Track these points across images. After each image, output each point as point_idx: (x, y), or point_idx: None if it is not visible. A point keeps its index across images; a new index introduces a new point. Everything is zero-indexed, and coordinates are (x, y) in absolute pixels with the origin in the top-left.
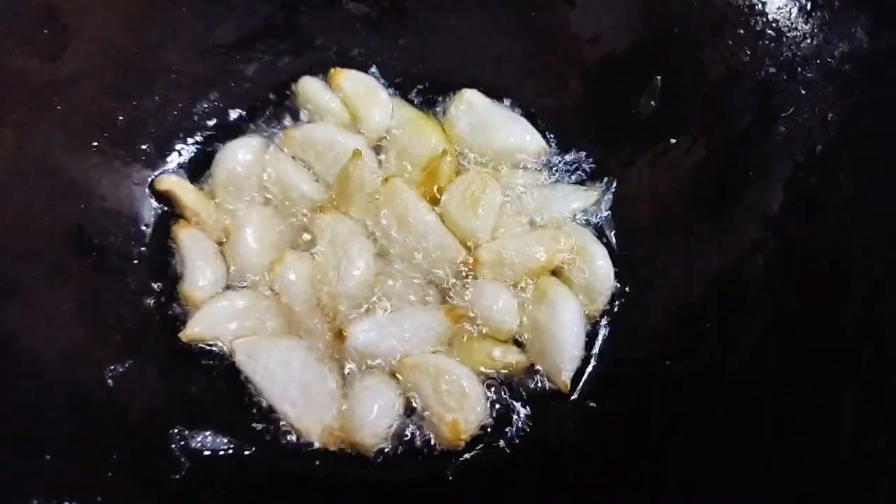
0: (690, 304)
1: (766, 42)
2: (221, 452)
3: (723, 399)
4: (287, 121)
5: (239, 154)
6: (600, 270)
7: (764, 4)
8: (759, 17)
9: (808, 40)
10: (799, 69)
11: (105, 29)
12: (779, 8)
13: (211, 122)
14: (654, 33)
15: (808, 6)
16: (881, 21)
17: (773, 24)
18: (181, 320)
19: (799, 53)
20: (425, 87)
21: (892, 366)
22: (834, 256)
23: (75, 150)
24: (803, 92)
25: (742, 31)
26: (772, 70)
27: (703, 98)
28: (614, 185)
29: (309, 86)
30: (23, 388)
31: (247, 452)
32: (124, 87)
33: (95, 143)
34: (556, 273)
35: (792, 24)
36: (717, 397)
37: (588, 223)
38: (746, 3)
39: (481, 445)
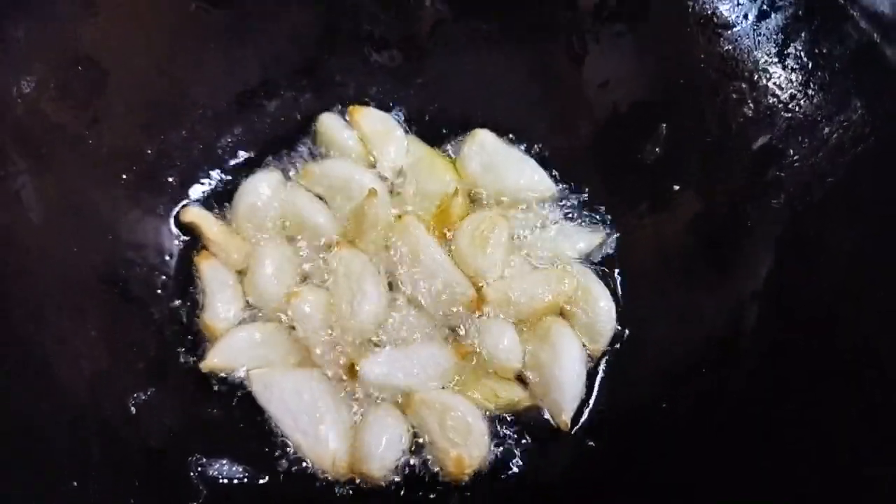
0: (688, 347)
1: (768, 98)
2: (236, 481)
3: (719, 441)
4: (306, 156)
5: (260, 188)
6: (603, 312)
7: (767, 63)
8: (761, 75)
9: (808, 99)
10: (798, 126)
11: (137, 67)
12: (781, 68)
13: (234, 156)
14: (660, 83)
15: (810, 66)
16: (879, 83)
17: (776, 82)
18: (202, 349)
19: (799, 111)
20: (440, 126)
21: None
22: (829, 305)
23: (105, 183)
24: (801, 148)
25: (745, 87)
26: (771, 125)
27: (706, 148)
28: (618, 227)
29: (328, 122)
30: (51, 416)
31: (261, 481)
32: (152, 122)
33: (124, 177)
34: (559, 312)
35: (793, 83)
36: (713, 439)
37: (592, 264)
38: (751, 60)
39: (484, 480)
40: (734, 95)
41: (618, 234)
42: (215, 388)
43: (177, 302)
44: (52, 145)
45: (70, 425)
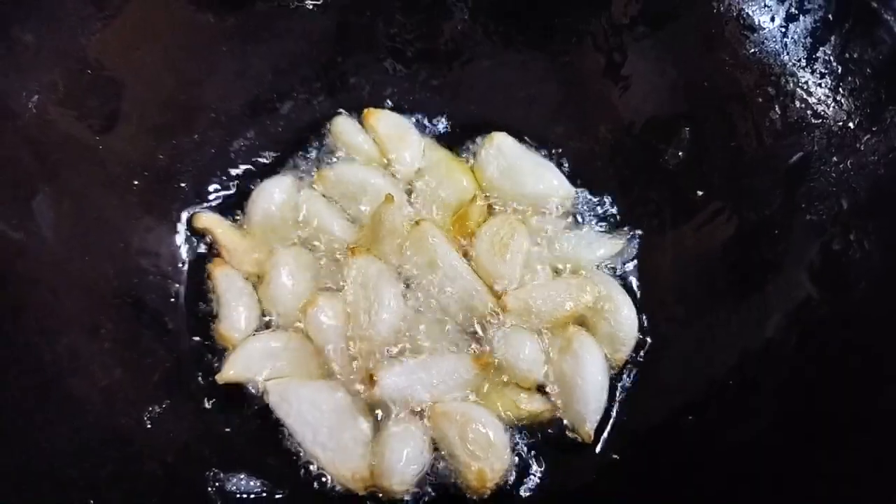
0: (714, 358)
1: (796, 103)
2: (254, 495)
3: (745, 457)
4: (321, 160)
5: (274, 194)
6: (625, 320)
7: (795, 66)
8: (789, 79)
9: (838, 105)
10: (827, 132)
11: (148, 72)
12: (810, 72)
13: (246, 160)
14: (684, 86)
15: (840, 70)
16: None
17: (804, 87)
18: (217, 359)
19: (828, 116)
20: (456, 129)
21: None
22: (858, 325)
23: (116, 190)
24: (830, 154)
25: (772, 91)
26: (799, 131)
27: (730, 153)
28: (640, 233)
29: (342, 125)
30: (66, 431)
31: (279, 496)
32: (164, 127)
33: (136, 183)
34: (581, 321)
35: (822, 88)
36: (739, 454)
37: (613, 271)
38: (778, 63)
39: (505, 493)
40: (760, 100)
41: (639, 241)
42: (232, 398)
43: (191, 311)
44: (62, 151)
45: (85, 440)
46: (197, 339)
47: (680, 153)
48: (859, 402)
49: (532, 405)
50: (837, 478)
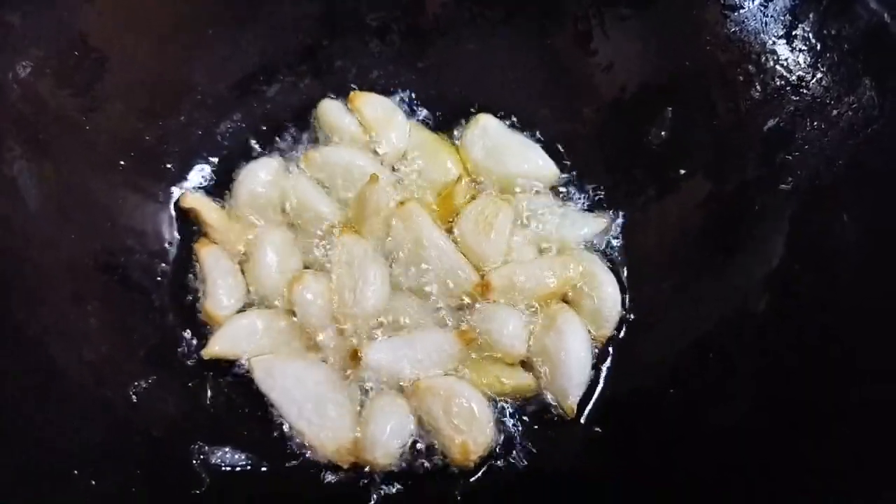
0: (695, 332)
1: (776, 80)
2: (239, 468)
3: (726, 428)
4: (307, 142)
5: (260, 174)
6: (608, 297)
7: (775, 44)
8: (769, 56)
9: (817, 81)
10: (806, 108)
11: (135, 52)
12: (789, 49)
13: (233, 142)
14: (666, 66)
15: (818, 47)
16: (889, 64)
17: (783, 64)
18: (203, 336)
19: (807, 93)
20: (442, 111)
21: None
22: (837, 289)
23: (103, 170)
24: (810, 130)
25: (752, 69)
26: (779, 107)
27: (713, 131)
28: (623, 212)
29: (329, 108)
30: (53, 405)
31: (263, 468)
32: (151, 108)
33: (122, 163)
34: (564, 298)
35: (801, 65)
36: (720, 426)
37: (597, 249)
38: (758, 41)
39: (489, 467)
40: (741, 78)
41: (623, 220)
42: (217, 374)
43: (177, 289)
44: (49, 131)
45: (71, 414)
46: (183, 316)
47: (663, 132)
48: (838, 392)
49: (516, 380)
50: (825, 469)
